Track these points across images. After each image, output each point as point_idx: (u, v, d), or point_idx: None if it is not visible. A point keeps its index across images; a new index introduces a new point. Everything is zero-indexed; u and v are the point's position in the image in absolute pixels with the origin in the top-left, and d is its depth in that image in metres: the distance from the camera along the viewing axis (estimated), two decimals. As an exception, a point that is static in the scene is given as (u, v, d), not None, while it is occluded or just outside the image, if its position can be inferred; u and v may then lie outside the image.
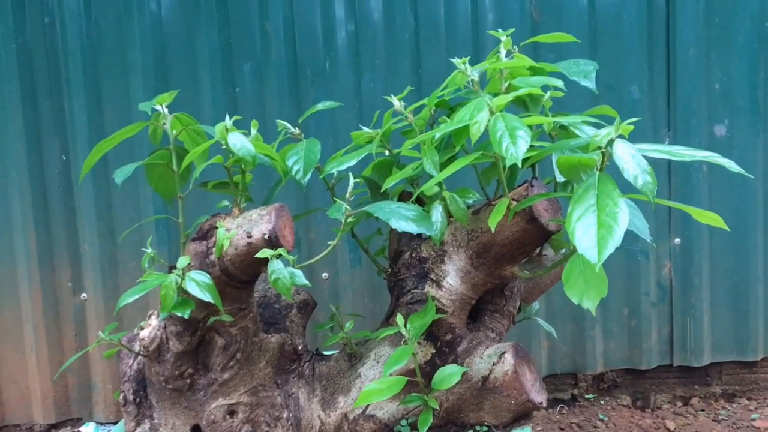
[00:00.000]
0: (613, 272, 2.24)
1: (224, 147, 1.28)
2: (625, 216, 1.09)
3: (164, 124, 1.41)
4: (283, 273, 1.21)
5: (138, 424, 1.43)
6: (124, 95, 2.10)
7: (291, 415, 1.41)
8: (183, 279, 1.22)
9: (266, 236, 1.24)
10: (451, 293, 1.44)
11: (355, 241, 1.60)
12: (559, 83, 1.33)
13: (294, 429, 1.41)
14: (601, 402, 2.32)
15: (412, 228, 1.22)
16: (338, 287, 2.23)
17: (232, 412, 1.37)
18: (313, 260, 1.32)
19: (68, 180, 2.13)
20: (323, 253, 1.31)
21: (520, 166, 1.10)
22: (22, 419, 2.19)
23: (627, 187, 1.10)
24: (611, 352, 2.33)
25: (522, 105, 1.48)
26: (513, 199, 1.32)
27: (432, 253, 1.48)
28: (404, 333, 1.34)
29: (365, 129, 1.51)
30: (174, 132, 1.41)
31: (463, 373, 1.37)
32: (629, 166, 1.12)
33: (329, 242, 1.30)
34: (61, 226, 2.13)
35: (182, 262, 1.23)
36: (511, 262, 1.43)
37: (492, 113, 1.18)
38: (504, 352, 1.41)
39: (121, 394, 1.45)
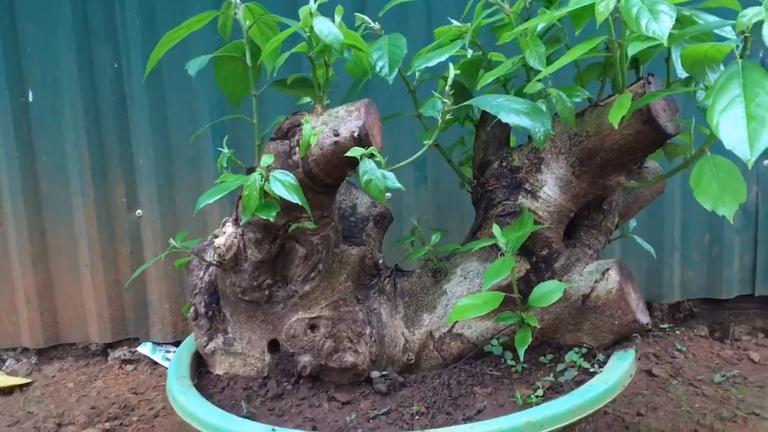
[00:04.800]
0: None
1: (308, 34, 1.15)
2: (780, 107, 0.95)
3: (235, 14, 1.28)
4: (375, 174, 1.09)
5: (211, 339, 1.34)
6: (178, -2, 1.97)
7: (374, 331, 1.31)
8: (266, 179, 1.11)
9: (355, 134, 1.12)
10: (548, 205, 1.31)
11: (438, 149, 1.47)
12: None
13: (377, 346, 1.31)
14: (677, 332, 2.20)
15: (525, 122, 1.08)
16: (401, 208, 2.11)
17: (313, 326, 1.28)
18: (404, 162, 1.19)
19: (121, 90, 2.01)
20: (417, 155, 1.18)
21: (665, 44, 0.95)
22: (77, 338, 2.13)
23: None
24: (689, 281, 2.20)
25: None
26: (627, 98, 1.18)
27: (526, 161, 1.35)
28: (501, 245, 1.22)
29: (455, 22, 1.37)
30: (247, 22, 1.27)
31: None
32: (783, 51, 0.97)
33: (425, 141, 1.17)
34: (114, 139, 2.02)
35: (266, 160, 1.12)
36: (618, 171, 1.29)
37: (622, -11, 1.03)
38: (608, 269, 1.29)
39: (192, 308, 1.36)
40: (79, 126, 2.00)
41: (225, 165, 1.21)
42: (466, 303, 1.21)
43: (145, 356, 2.11)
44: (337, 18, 1.20)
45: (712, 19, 1.22)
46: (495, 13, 1.33)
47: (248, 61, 1.28)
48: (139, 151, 2.02)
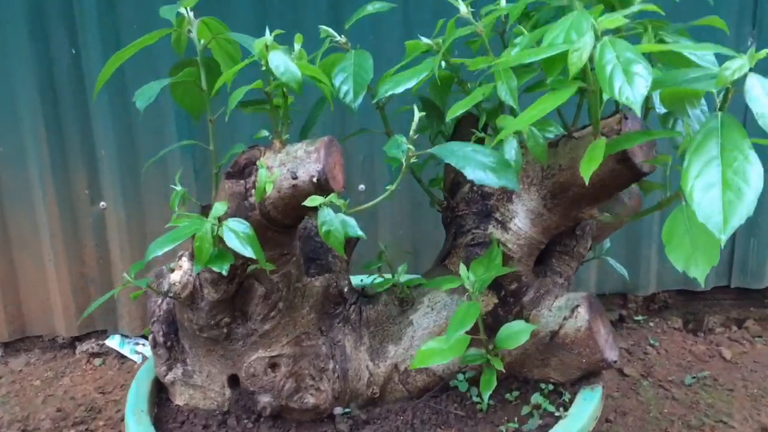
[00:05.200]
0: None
1: (263, 69, 1.07)
2: (758, 174, 0.88)
3: (189, 30, 1.19)
4: (335, 224, 1.04)
5: (170, 369, 1.31)
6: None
7: (337, 366, 1.28)
8: (220, 228, 1.05)
9: (315, 179, 1.06)
10: (519, 237, 1.26)
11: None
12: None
13: (341, 382, 1.28)
14: (651, 324, 2.20)
15: (491, 180, 1.02)
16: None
17: (273, 365, 1.24)
18: (367, 205, 1.13)
19: (80, 74, 1.91)
20: (381, 198, 1.13)
21: (638, 112, 0.89)
22: (43, 331, 2.09)
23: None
24: (665, 273, 2.18)
25: (608, 7, 1.23)
26: (602, 134, 1.12)
27: (497, 188, 1.29)
28: (468, 287, 1.18)
29: (424, 39, 1.28)
30: (202, 41, 1.19)
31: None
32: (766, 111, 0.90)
33: (387, 186, 1.11)
34: (75, 128, 1.93)
35: (219, 209, 1.05)
36: (591, 204, 1.24)
37: (597, 38, 0.95)
38: (577, 306, 1.25)
39: (150, 335, 1.33)
40: (37, 113, 1.91)
41: (176, 208, 1.14)
42: (431, 347, 1.18)
43: (113, 349, 2.08)
44: (297, 46, 1.12)
45: (701, 53, 1.14)
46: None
47: (203, 85, 1.20)
48: (101, 142, 1.94)
